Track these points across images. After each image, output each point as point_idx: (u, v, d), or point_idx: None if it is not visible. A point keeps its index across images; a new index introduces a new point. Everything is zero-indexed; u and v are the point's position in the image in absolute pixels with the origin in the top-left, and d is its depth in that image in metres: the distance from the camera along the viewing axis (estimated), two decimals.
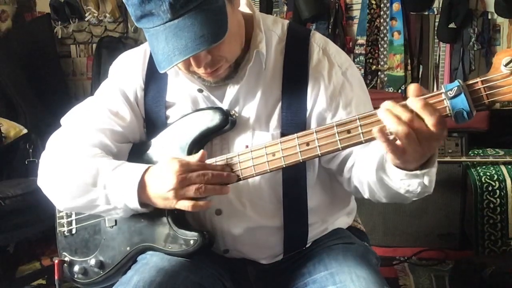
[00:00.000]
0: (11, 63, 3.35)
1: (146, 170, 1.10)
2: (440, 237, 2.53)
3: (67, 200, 1.18)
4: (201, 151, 1.09)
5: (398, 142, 0.89)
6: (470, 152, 2.57)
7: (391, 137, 0.89)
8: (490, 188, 2.40)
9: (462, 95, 0.86)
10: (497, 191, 2.40)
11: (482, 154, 2.54)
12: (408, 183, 0.99)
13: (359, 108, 1.14)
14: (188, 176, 1.04)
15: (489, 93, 0.86)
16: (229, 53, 1.08)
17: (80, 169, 1.14)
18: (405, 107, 0.88)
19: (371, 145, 1.04)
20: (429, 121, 0.86)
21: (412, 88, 0.90)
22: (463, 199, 2.51)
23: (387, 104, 0.89)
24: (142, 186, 1.08)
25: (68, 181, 1.16)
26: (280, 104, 1.16)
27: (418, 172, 0.95)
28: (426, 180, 0.97)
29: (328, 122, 1.14)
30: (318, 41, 1.20)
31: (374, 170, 1.04)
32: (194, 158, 1.08)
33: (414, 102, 0.87)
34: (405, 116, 0.87)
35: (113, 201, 1.12)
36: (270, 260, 1.24)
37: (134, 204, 1.09)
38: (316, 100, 1.16)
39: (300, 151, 1.01)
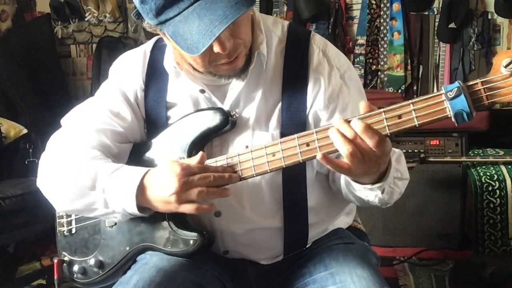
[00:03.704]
0: (11, 63, 3.35)
1: (145, 173, 1.08)
2: (440, 237, 2.53)
3: (66, 202, 1.18)
4: (200, 153, 1.08)
5: (343, 161, 0.95)
6: (470, 152, 2.56)
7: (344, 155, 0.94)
8: (490, 188, 2.40)
9: (462, 96, 0.86)
10: (497, 191, 2.39)
11: (482, 154, 2.54)
12: (365, 194, 1.07)
13: (355, 112, 1.14)
14: (190, 179, 1.03)
15: (489, 94, 0.86)
16: (247, 36, 1.09)
17: (79, 171, 1.13)
18: (350, 128, 0.93)
19: None
20: (370, 142, 0.92)
21: (360, 106, 0.95)
22: (463, 199, 2.51)
23: (336, 124, 0.95)
24: (141, 190, 1.07)
25: (67, 183, 1.15)
26: (280, 105, 1.17)
27: (370, 186, 1.03)
28: (380, 194, 1.05)
29: (323, 123, 1.15)
30: (318, 42, 1.20)
31: (343, 178, 1.12)
32: (194, 160, 1.07)
33: (356, 124, 0.92)
34: (350, 136, 0.92)
35: (112, 205, 1.11)
36: (270, 260, 1.24)
37: (132, 209, 1.08)
38: (315, 100, 1.16)
39: (300, 152, 1.01)
